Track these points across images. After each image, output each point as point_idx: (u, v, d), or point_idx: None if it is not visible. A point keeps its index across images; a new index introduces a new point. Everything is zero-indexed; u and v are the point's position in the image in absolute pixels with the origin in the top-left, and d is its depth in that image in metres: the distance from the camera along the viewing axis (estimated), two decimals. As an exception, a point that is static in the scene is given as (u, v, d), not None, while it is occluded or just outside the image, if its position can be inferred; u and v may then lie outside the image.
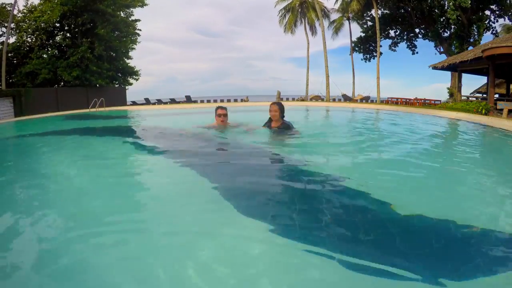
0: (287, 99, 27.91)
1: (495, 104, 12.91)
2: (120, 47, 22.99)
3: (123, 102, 23.13)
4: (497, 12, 22.69)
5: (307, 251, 2.05)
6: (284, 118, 5.59)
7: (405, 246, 2.17)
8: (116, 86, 23.85)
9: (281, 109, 5.49)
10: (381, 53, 26.32)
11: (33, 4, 21.63)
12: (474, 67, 15.57)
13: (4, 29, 20.50)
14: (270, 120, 5.59)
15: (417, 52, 28.11)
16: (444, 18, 22.99)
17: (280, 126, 5.54)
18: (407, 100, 22.07)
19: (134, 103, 24.96)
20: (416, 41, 27.81)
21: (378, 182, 3.59)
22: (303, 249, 2.07)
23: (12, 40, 20.74)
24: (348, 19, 29.25)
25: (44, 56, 20.91)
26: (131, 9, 23.84)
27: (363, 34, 29.31)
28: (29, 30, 20.95)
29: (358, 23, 29.39)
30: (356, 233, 2.33)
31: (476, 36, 22.22)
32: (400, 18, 27.07)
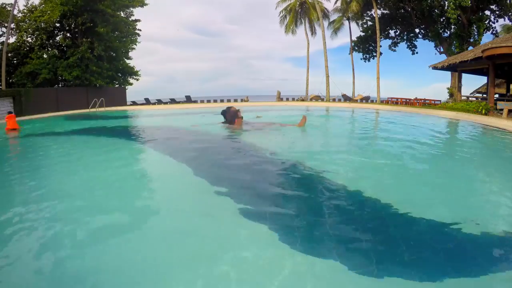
0: (287, 99, 27.87)
1: (495, 104, 12.89)
2: (120, 47, 22.95)
3: (123, 102, 23.09)
4: (497, 12, 22.65)
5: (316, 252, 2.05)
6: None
7: (418, 245, 2.18)
8: (116, 86, 23.80)
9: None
10: (381, 53, 26.29)
11: (33, 4, 21.60)
12: (474, 67, 15.55)
13: (4, 29, 20.47)
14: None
15: (417, 52, 28.04)
16: (444, 18, 22.96)
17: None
18: (407, 100, 22.04)
19: (134, 103, 24.93)
20: (416, 41, 27.72)
21: (379, 182, 3.59)
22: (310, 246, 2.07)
23: (12, 40, 20.71)
24: (348, 18, 29.18)
25: (44, 56, 20.86)
26: (131, 9, 23.79)
27: (362, 34, 29.23)
28: (29, 30, 20.89)
29: (358, 23, 29.31)
30: (358, 233, 2.33)
31: (476, 36, 22.16)
32: (400, 18, 27.00)
